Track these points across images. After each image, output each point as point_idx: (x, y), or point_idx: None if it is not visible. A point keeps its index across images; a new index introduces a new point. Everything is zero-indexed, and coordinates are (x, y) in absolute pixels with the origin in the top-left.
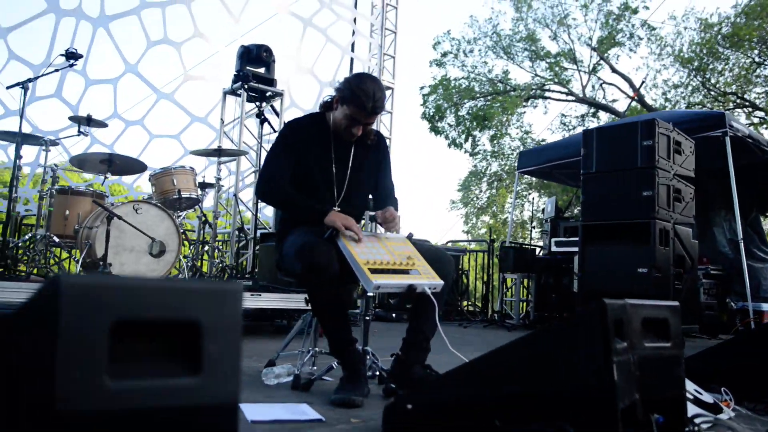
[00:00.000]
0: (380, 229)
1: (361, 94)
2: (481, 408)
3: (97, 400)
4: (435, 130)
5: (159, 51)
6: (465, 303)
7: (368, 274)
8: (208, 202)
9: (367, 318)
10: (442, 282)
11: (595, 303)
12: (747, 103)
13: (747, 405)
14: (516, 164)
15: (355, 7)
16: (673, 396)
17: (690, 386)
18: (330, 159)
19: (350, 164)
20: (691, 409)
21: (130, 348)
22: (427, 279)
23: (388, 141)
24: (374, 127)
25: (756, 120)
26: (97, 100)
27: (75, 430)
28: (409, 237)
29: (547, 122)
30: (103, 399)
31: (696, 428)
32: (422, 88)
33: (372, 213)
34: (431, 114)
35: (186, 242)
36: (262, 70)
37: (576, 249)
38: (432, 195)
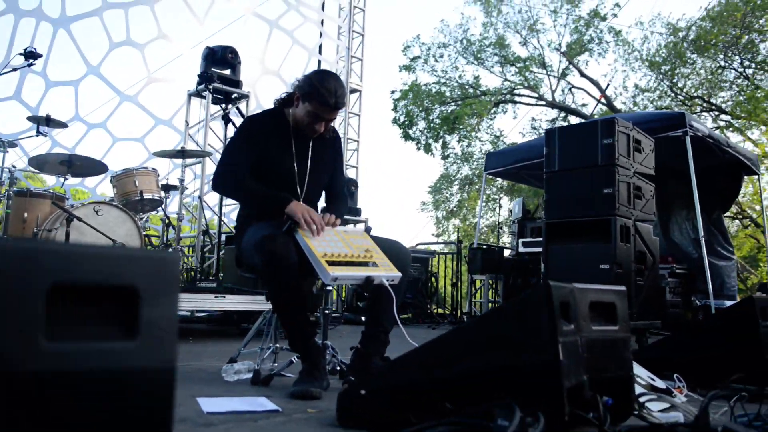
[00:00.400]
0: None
1: (324, 91)
2: (432, 390)
3: (33, 362)
4: (407, 136)
5: (122, 53)
6: (434, 306)
7: (326, 266)
8: (174, 206)
9: (327, 312)
10: (399, 274)
11: (541, 285)
12: (713, 107)
13: (699, 392)
14: (484, 165)
15: (323, 9)
16: (621, 377)
17: (643, 373)
18: (291, 154)
19: (309, 160)
20: (639, 390)
21: (67, 312)
22: (385, 271)
23: (355, 144)
24: (337, 126)
25: (722, 123)
26: (58, 103)
27: (12, 390)
28: (368, 230)
29: (518, 127)
30: (40, 360)
31: (643, 408)
32: (393, 92)
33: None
34: (402, 120)
35: (149, 245)
36: (227, 71)
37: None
38: (402, 198)
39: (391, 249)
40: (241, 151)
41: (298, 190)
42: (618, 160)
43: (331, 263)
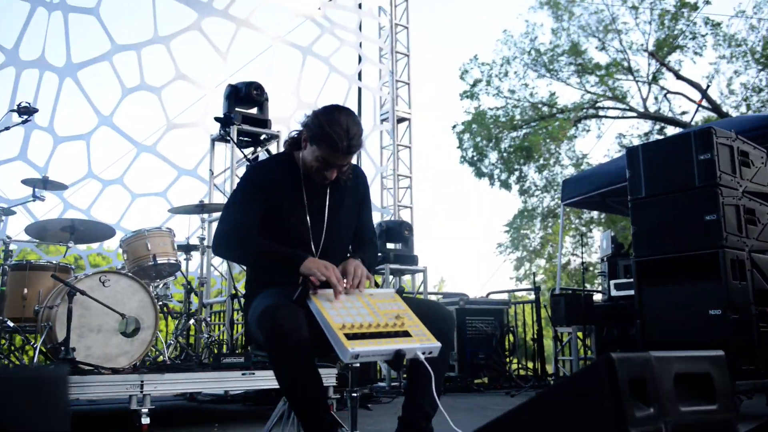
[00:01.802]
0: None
1: (333, 133)
2: None
3: None
4: (479, 173)
5: (137, 99)
6: (515, 366)
7: (343, 340)
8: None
9: (354, 395)
10: (438, 344)
11: (602, 359)
12: None
13: None
14: (561, 196)
15: (360, 29)
16: None
17: None
18: (303, 206)
19: (327, 211)
20: None
21: None
22: (420, 341)
23: (408, 180)
24: (384, 161)
25: None
26: (68, 160)
27: None
28: (399, 291)
29: (604, 146)
30: None
31: None
32: (455, 126)
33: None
34: (471, 156)
35: (169, 316)
36: (254, 110)
37: None
38: (469, 240)
39: (428, 313)
40: (245, 206)
41: (313, 248)
42: (720, 179)
43: (352, 336)
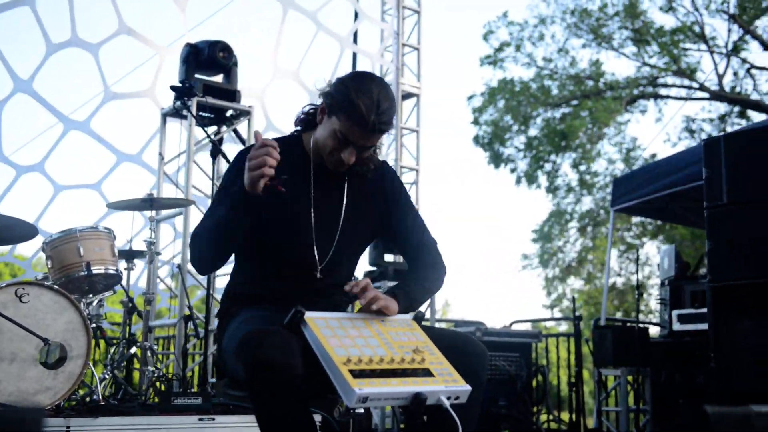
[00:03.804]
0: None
1: (360, 102)
2: None
3: None
4: (496, 159)
5: (66, 58)
6: (545, 416)
7: (348, 378)
8: (142, 281)
9: None
10: (467, 387)
11: (692, 411)
12: None
13: None
14: (610, 197)
15: None
16: None
17: None
18: (308, 201)
19: (343, 210)
20: None
21: None
22: (445, 383)
23: (413, 174)
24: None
25: None
26: None
27: None
28: (418, 318)
29: (666, 133)
30: None
31: None
32: (471, 98)
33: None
34: (488, 138)
35: (102, 342)
36: (218, 78)
37: None
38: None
39: (455, 347)
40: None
41: (316, 256)
42: None
43: (359, 374)
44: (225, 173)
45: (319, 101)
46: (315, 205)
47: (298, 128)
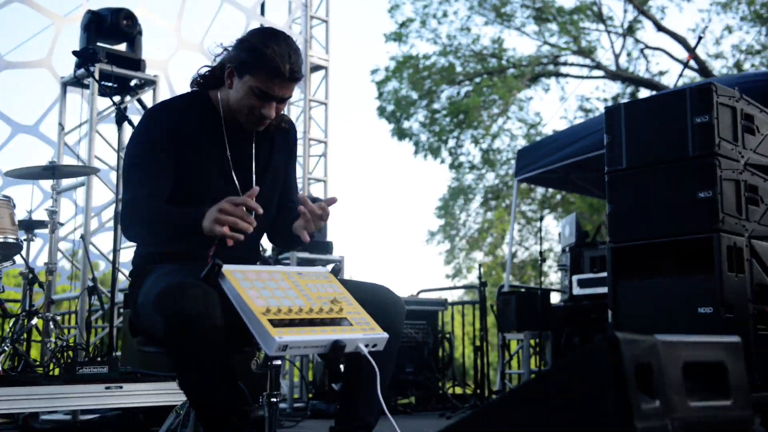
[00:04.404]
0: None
1: (273, 54)
2: None
3: None
4: (400, 133)
5: None
6: (450, 383)
7: (268, 327)
8: (44, 253)
9: (274, 400)
10: (384, 335)
11: (602, 338)
12: None
13: None
14: (514, 168)
15: None
16: None
17: None
18: (226, 160)
19: (254, 166)
20: None
21: None
22: (363, 331)
23: (322, 146)
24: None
25: None
26: None
27: None
28: (335, 270)
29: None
30: None
31: None
32: (375, 71)
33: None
34: (391, 110)
35: (1, 315)
36: (122, 46)
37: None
38: (395, 225)
39: (372, 298)
40: (149, 168)
41: None
42: (719, 148)
43: (278, 323)
44: (132, 141)
45: (215, 64)
46: (233, 164)
47: (198, 88)
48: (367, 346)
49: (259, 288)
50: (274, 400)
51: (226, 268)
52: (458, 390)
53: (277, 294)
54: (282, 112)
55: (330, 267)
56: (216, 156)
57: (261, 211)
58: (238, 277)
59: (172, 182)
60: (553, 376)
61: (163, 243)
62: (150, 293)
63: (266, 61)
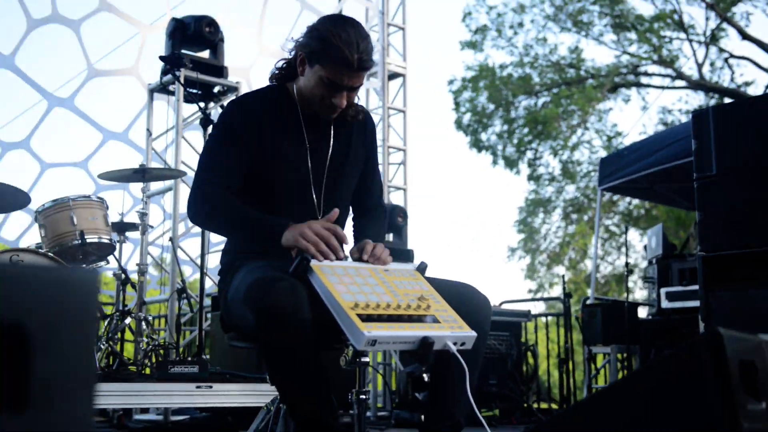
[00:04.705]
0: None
1: (341, 43)
2: None
3: None
4: (477, 145)
5: (47, 34)
6: (534, 396)
7: (357, 321)
8: (135, 255)
9: (363, 397)
10: (473, 333)
11: (705, 334)
12: None
13: None
14: (597, 178)
15: None
16: None
17: None
18: (304, 150)
19: (329, 156)
20: None
21: None
22: (451, 328)
23: (401, 154)
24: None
25: None
26: None
27: None
28: (422, 268)
29: (645, 122)
30: None
31: None
32: (451, 82)
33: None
34: (468, 123)
35: (97, 314)
36: (205, 53)
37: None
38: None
39: (459, 296)
40: (224, 155)
41: (315, 203)
42: None
43: (367, 318)
44: (213, 130)
45: (291, 55)
46: (311, 151)
47: (276, 81)
48: (455, 344)
49: (347, 283)
50: (363, 397)
51: (314, 263)
52: (543, 405)
53: (365, 289)
54: (356, 101)
55: (416, 265)
56: (294, 146)
57: (348, 242)
58: (326, 272)
59: (243, 174)
60: (652, 372)
61: (245, 239)
62: (240, 288)
63: (334, 51)
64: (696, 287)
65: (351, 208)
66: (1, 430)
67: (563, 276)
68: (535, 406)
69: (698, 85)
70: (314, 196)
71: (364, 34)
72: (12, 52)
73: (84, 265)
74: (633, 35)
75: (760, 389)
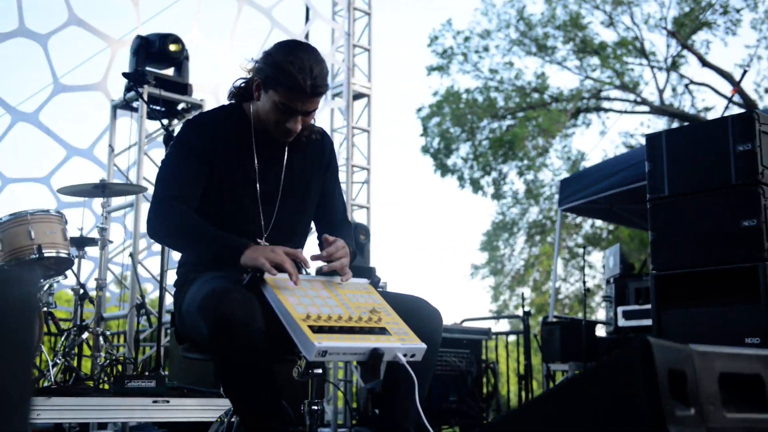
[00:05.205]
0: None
1: (294, 70)
2: None
3: None
4: (443, 169)
5: (14, 48)
6: (494, 413)
7: (308, 333)
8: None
9: (315, 408)
10: (422, 345)
11: (637, 342)
12: None
13: None
14: (557, 199)
15: None
16: None
17: None
18: (253, 170)
19: (283, 177)
20: None
21: None
22: (401, 341)
23: (365, 173)
24: (337, 146)
25: None
26: None
27: None
28: (374, 282)
29: (606, 145)
30: None
31: None
32: (419, 110)
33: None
34: (436, 148)
35: (53, 327)
36: (169, 71)
37: None
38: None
39: (410, 309)
40: (182, 171)
41: (263, 224)
42: (763, 176)
43: (318, 329)
44: (170, 147)
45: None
46: (259, 175)
47: (234, 99)
48: (405, 355)
49: (300, 295)
50: (316, 408)
51: (268, 276)
52: None
53: (317, 302)
54: (313, 123)
55: (369, 280)
56: (243, 166)
57: (309, 266)
58: (279, 285)
59: (201, 190)
60: (587, 379)
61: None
62: (194, 299)
63: (287, 77)
64: (650, 306)
65: (315, 227)
66: None
67: (522, 294)
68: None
69: (659, 110)
70: (261, 216)
71: (318, 59)
72: None
73: (42, 280)
74: (596, 60)
75: (690, 397)
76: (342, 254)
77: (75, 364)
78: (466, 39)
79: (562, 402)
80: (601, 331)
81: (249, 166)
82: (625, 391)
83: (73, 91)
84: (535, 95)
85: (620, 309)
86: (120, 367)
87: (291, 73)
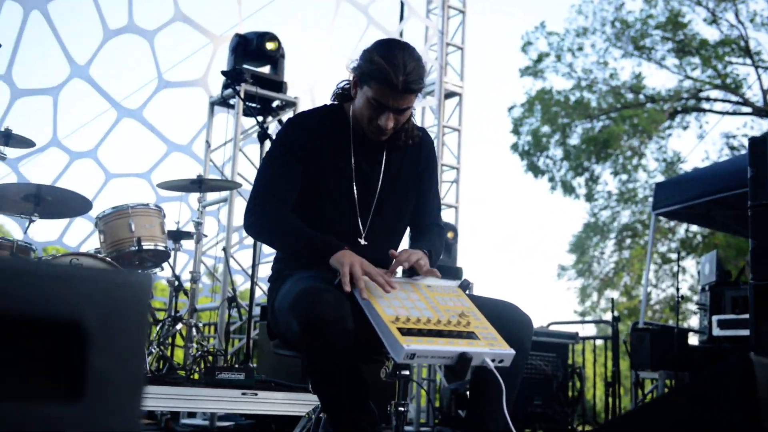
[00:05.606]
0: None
1: (386, 65)
2: None
3: None
4: (534, 169)
5: (120, 44)
6: (579, 420)
7: (397, 335)
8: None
9: (402, 409)
10: (511, 351)
11: (734, 358)
12: None
13: None
14: (652, 203)
15: None
16: None
17: None
18: (350, 170)
19: (381, 178)
20: None
21: None
22: (489, 345)
23: (454, 172)
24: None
25: None
26: (28, 121)
27: None
28: (464, 285)
29: (706, 148)
30: None
31: None
32: (511, 108)
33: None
34: (526, 147)
35: (150, 318)
36: (265, 69)
37: None
38: (526, 257)
39: (500, 314)
40: (281, 171)
41: (360, 225)
42: None
43: (407, 332)
44: (272, 144)
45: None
46: (356, 174)
47: (334, 102)
48: (493, 361)
49: (390, 297)
50: (402, 409)
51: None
52: (587, 427)
53: (406, 304)
54: (413, 125)
55: (458, 282)
56: (340, 166)
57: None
58: (369, 286)
59: (298, 189)
60: (684, 394)
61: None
62: (287, 297)
63: (381, 72)
64: (747, 316)
65: (409, 229)
66: (59, 418)
67: (612, 299)
68: (580, 428)
69: (764, 111)
70: (359, 219)
71: (414, 57)
72: (87, 62)
73: (140, 271)
74: (696, 60)
75: None
76: (406, 258)
77: (168, 353)
78: (562, 39)
79: (654, 418)
80: (693, 340)
81: (347, 167)
82: (721, 410)
83: (175, 87)
84: (630, 95)
85: (715, 318)
86: (211, 358)
87: (384, 68)
